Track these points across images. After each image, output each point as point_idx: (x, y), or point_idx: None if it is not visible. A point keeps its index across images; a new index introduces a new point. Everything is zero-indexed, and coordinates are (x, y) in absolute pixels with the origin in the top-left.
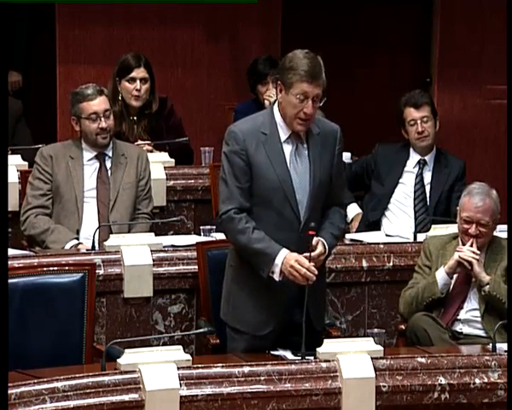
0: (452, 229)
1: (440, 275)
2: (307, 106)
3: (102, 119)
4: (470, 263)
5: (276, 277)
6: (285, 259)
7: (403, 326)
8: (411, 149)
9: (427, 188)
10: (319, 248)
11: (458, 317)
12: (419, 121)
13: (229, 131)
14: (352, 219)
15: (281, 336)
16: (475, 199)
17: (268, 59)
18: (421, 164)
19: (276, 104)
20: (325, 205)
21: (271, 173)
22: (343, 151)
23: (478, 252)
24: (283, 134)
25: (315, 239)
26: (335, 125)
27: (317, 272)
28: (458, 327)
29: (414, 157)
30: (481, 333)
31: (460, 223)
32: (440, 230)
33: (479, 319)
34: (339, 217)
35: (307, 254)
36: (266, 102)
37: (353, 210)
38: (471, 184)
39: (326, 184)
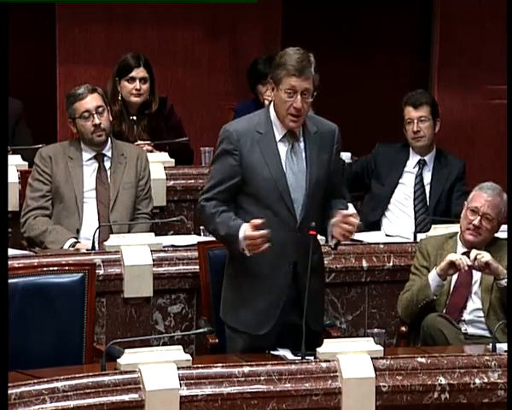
0: (452, 229)
1: (432, 277)
2: (296, 100)
3: (95, 115)
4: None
5: (247, 252)
6: (244, 234)
7: (404, 328)
8: (411, 149)
9: (427, 188)
10: (350, 210)
11: (462, 318)
12: (416, 121)
13: (224, 130)
14: None
15: (279, 336)
16: (486, 193)
17: (268, 59)
18: (421, 164)
19: (272, 103)
20: (328, 200)
21: (266, 172)
22: (341, 150)
23: (469, 262)
24: (278, 133)
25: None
26: (333, 124)
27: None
28: (463, 328)
29: (414, 157)
30: (486, 333)
31: (465, 215)
32: (440, 230)
33: (483, 319)
34: (343, 205)
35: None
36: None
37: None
38: (484, 182)
39: (323, 182)
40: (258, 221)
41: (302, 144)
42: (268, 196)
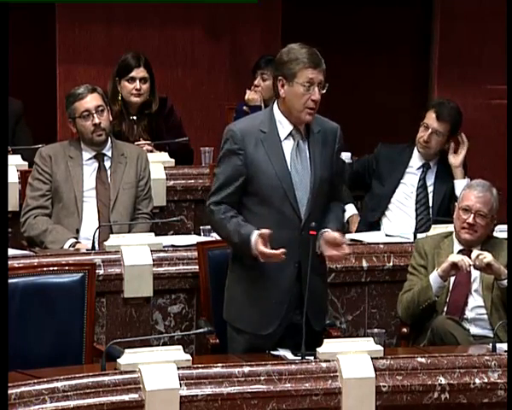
0: (452, 228)
1: (433, 278)
2: (314, 92)
3: (95, 115)
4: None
5: (261, 259)
6: (254, 243)
7: (405, 329)
8: (416, 151)
9: (430, 189)
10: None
11: (465, 316)
12: (430, 130)
13: (228, 130)
14: (348, 221)
15: (282, 336)
16: (476, 190)
17: (270, 58)
18: (425, 168)
19: (276, 102)
20: (327, 201)
21: (270, 171)
22: (342, 150)
23: (471, 262)
24: (283, 132)
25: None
26: (335, 123)
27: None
28: (466, 327)
29: (418, 159)
30: (489, 333)
31: (457, 215)
32: (440, 229)
33: (485, 317)
34: (341, 211)
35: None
36: (247, 93)
37: (350, 211)
38: (472, 181)
39: (326, 181)
40: (266, 232)
41: (306, 143)
42: (272, 195)
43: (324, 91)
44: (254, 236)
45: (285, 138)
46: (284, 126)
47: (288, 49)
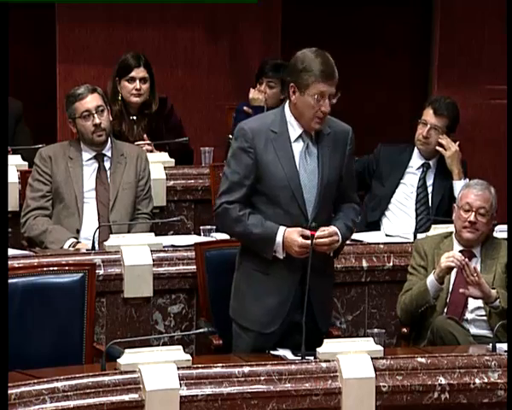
0: (452, 228)
1: (429, 282)
2: (324, 104)
3: (95, 115)
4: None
5: (280, 255)
6: (286, 236)
7: (405, 329)
8: (416, 151)
9: (429, 189)
10: (331, 228)
11: (465, 317)
12: (429, 126)
13: (239, 128)
14: None
15: (286, 336)
16: (475, 189)
17: (277, 64)
18: (425, 168)
19: (287, 103)
20: (338, 203)
21: (279, 171)
22: (353, 152)
23: (463, 257)
24: (293, 133)
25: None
26: (347, 125)
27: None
28: (466, 328)
29: (418, 159)
30: (488, 334)
31: (458, 215)
32: (440, 229)
33: (485, 318)
34: (353, 211)
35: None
36: (250, 92)
37: None
38: (470, 181)
39: (335, 183)
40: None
41: (316, 145)
42: (280, 194)
43: (335, 101)
44: (283, 227)
45: (295, 140)
46: (295, 128)
47: (304, 56)
